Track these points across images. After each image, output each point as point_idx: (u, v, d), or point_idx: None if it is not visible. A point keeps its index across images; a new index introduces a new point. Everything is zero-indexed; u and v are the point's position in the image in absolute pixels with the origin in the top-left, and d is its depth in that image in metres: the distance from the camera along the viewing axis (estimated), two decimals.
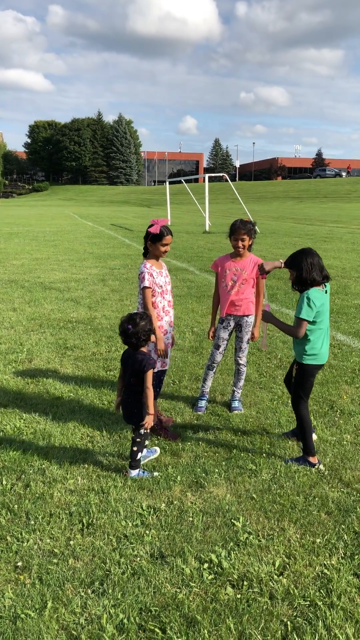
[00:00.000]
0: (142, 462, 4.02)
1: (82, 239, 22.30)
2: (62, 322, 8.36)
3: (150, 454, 4.22)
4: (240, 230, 4.87)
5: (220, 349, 5.22)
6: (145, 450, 4.10)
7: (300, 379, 4.15)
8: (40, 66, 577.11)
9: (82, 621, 2.61)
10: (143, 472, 3.96)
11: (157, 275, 4.48)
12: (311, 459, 4.12)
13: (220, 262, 5.10)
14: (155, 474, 3.95)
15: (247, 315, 5.10)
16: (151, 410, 3.84)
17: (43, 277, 12.64)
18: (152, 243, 4.47)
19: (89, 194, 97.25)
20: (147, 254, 4.59)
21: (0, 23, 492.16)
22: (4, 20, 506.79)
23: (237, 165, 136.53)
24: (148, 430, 3.98)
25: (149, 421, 3.84)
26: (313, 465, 4.09)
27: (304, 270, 4.00)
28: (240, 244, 4.91)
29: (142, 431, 3.92)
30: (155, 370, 4.45)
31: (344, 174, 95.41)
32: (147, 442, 4.12)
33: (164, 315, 4.56)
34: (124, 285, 11.54)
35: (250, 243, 4.98)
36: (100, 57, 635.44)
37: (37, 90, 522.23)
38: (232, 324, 5.14)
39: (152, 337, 4.26)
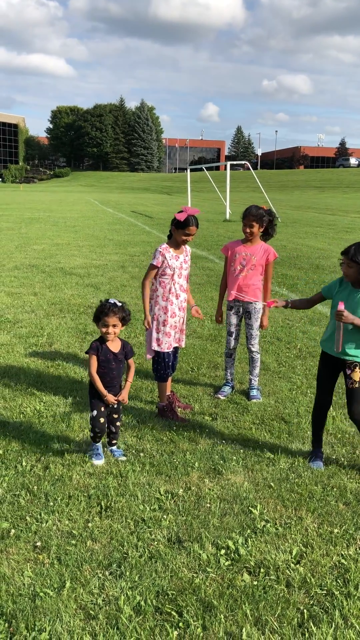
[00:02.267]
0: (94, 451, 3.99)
1: (103, 225, 22.32)
2: (82, 307, 8.40)
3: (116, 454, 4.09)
4: (249, 216, 4.86)
5: (233, 335, 5.23)
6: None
7: None
8: (62, 51, 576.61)
9: (100, 602, 2.64)
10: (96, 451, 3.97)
11: (171, 258, 4.54)
12: None
13: (231, 246, 5.10)
14: (123, 458, 4.00)
15: (255, 302, 5.08)
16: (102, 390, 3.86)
17: (63, 262, 12.69)
18: (176, 229, 4.51)
19: (110, 180, 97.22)
20: (170, 238, 4.65)
21: (22, 7, 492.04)
22: (26, 4, 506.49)
23: (259, 154, 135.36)
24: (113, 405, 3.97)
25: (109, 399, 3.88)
26: None
27: None
28: (247, 230, 4.90)
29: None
30: (160, 350, 4.64)
31: None
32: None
33: (173, 299, 4.60)
34: (144, 272, 11.53)
35: (261, 230, 4.94)
36: (123, 43, 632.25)
37: (59, 75, 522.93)
38: (241, 310, 5.14)
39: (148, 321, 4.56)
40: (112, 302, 3.86)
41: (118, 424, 4.06)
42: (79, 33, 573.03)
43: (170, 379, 4.86)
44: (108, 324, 3.84)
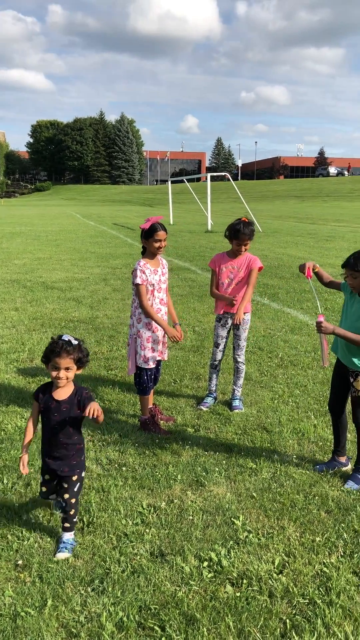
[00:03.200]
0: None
1: (85, 238, 22.31)
2: (63, 321, 8.38)
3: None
4: (244, 237, 4.86)
5: (220, 347, 5.24)
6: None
7: None
8: (41, 66, 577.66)
9: (82, 619, 2.62)
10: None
11: (151, 273, 4.51)
12: None
13: (218, 259, 5.12)
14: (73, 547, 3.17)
15: (244, 314, 5.10)
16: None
17: (45, 276, 12.65)
18: (146, 240, 4.50)
19: (91, 193, 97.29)
20: (144, 253, 4.62)
21: (0, 23, 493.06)
22: (3, 20, 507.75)
23: (239, 165, 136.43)
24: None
25: None
26: None
27: None
28: (242, 248, 4.94)
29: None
30: (147, 366, 4.61)
31: (346, 172, 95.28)
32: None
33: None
34: (126, 285, 11.55)
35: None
36: (101, 57, 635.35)
37: (38, 90, 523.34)
38: (229, 322, 5.16)
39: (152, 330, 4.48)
40: (66, 339, 3.02)
41: (71, 500, 3.15)
42: (57, 48, 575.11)
43: (152, 391, 4.86)
44: (59, 367, 3.02)
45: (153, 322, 4.56)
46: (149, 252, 4.59)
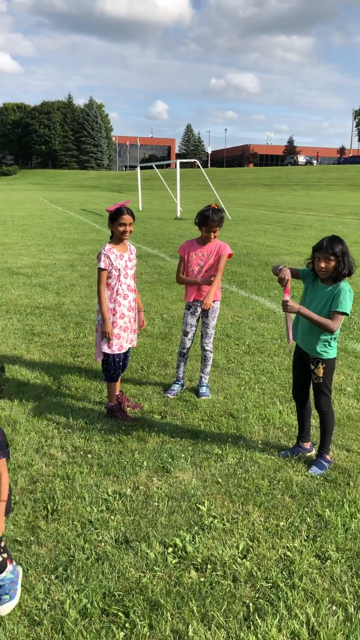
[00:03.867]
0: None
1: (52, 223, 21.99)
2: (29, 307, 8.25)
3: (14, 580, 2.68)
4: (213, 223, 4.83)
5: (189, 335, 5.23)
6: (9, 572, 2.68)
7: (329, 375, 3.91)
8: (6, 46, 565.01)
9: (45, 607, 2.60)
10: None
11: (116, 258, 4.47)
12: (329, 457, 4.01)
13: (187, 246, 5.08)
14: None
15: (214, 301, 5.10)
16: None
17: (10, 262, 12.44)
18: (112, 223, 4.46)
19: (59, 178, 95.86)
20: (112, 237, 4.59)
21: None
22: None
23: (209, 152, 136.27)
24: None
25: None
26: (330, 462, 3.98)
27: (349, 260, 3.62)
28: (212, 235, 4.92)
29: None
30: (110, 352, 4.55)
31: (314, 162, 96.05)
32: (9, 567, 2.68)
33: (121, 300, 4.54)
34: (93, 271, 11.44)
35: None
36: (69, 39, 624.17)
37: (4, 71, 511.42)
38: (198, 309, 5.15)
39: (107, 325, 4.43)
40: None
41: None
42: (23, 28, 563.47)
43: (120, 379, 4.83)
44: None
45: (118, 308, 4.53)
46: (115, 237, 4.54)
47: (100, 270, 4.45)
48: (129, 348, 4.79)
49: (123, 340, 4.62)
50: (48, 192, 60.34)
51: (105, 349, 4.57)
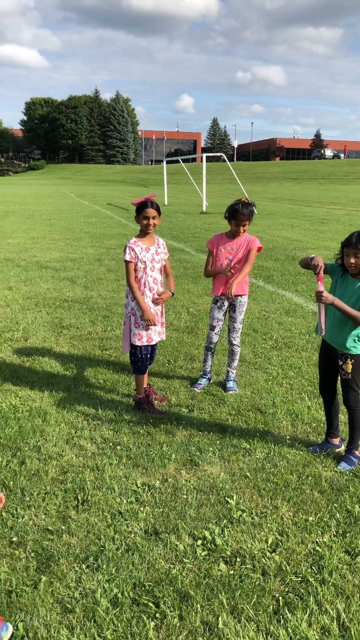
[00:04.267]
0: None
1: (79, 218, 22.15)
2: (58, 301, 8.34)
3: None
4: (243, 216, 4.82)
5: (216, 330, 5.23)
6: None
7: (358, 371, 3.84)
8: (34, 42, 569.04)
9: (77, 595, 2.64)
10: None
11: (142, 251, 4.51)
12: (358, 453, 3.98)
13: (216, 240, 5.08)
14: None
15: (241, 296, 5.09)
16: None
17: (39, 256, 12.57)
18: (137, 216, 4.51)
19: (86, 172, 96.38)
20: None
21: None
22: None
23: (235, 145, 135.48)
24: None
25: None
26: (359, 458, 3.97)
27: None
28: (241, 229, 4.90)
29: None
30: (140, 344, 4.58)
31: (342, 155, 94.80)
32: None
33: (147, 292, 4.56)
34: (120, 265, 11.49)
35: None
36: (96, 34, 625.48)
37: (32, 66, 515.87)
38: (226, 304, 5.14)
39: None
40: None
41: None
42: (51, 23, 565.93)
43: (147, 371, 4.86)
44: None
45: (147, 300, 4.56)
46: (141, 230, 4.58)
47: (126, 262, 4.51)
48: (157, 341, 4.80)
49: (152, 332, 4.64)
50: (75, 186, 60.72)
51: (136, 342, 4.59)
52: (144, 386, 4.79)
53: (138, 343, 4.60)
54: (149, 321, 4.50)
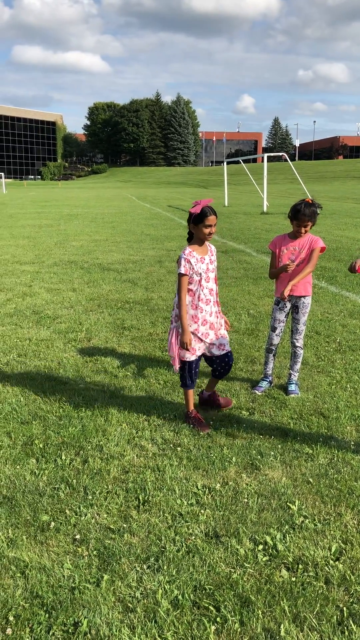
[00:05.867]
0: None
1: (140, 220, 22.42)
2: (119, 302, 8.47)
3: None
4: (304, 217, 4.71)
5: (277, 331, 5.15)
6: None
7: None
8: (97, 48, 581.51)
9: (138, 595, 2.67)
10: None
11: (197, 262, 4.20)
12: None
13: (278, 241, 5.01)
14: None
15: (304, 297, 5.00)
16: None
17: (101, 258, 12.81)
18: (195, 225, 4.16)
19: (147, 175, 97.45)
20: (191, 239, 4.31)
21: (56, 6, 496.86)
22: (60, 2, 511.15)
23: (297, 145, 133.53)
24: None
25: None
26: None
27: None
28: (303, 230, 4.80)
29: None
30: (188, 359, 4.33)
31: None
32: None
33: (203, 305, 4.29)
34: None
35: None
36: (157, 37, 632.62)
37: (95, 72, 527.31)
38: (288, 305, 5.06)
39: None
40: None
41: None
42: (113, 29, 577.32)
43: (215, 381, 4.69)
44: None
45: (200, 314, 4.30)
46: (197, 239, 4.25)
47: (180, 275, 4.20)
48: (229, 351, 4.54)
49: (203, 346, 4.40)
50: (136, 189, 61.54)
51: (188, 357, 4.36)
52: (209, 392, 4.72)
53: (191, 358, 4.37)
54: (185, 344, 4.22)
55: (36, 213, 27.18)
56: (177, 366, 4.36)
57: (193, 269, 4.20)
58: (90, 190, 60.42)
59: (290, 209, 4.82)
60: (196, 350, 4.38)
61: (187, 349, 4.26)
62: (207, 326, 4.37)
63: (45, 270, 11.21)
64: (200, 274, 4.24)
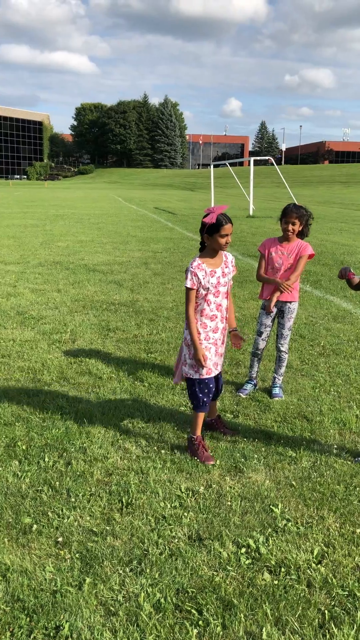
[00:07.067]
0: None
1: (126, 222, 22.39)
2: (105, 304, 8.44)
3: None
4: (292, 213, 4.81)
5: (263, 336, 5.17)
6: None
7: None
8: (84, 48, 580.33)
9: (120, 598, 2.65)
10: None
11: (205, 275, 3.84)
12: None
13: (268, 244, 5.06)
14: None
15: (290, 302, 5.03)
16: None
17: (87, 259, 12.76)
18: (210, 235, 3.79)
19: (134, 177, 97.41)
20: (203, 248, 3.94)
21: (43, 5, 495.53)
22: (47, 1, 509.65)
23: (283, 149, 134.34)
24: None
25: None
26: None
27: None
28: (290, 227, 4.85)
29: None
30: (198, 376, 3.96)
31: None
32: None
33: (207, 321, 3.94)
34: (166, 269, 11.55)
35: (300, 229, 4.90)
36: (145, 39, 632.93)
37: (82, 72, 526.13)
38: (274, 310, 5.09)
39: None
40: None
41: None
42: (100, 30, 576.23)
43: (216, 403, 4.40)
44: None
45: (202, 330, 3.95)
46: (210, 249, 3.88)
47: (187, 289, 3.87)
48: (220, 372, 4.20)
49: (210, 362, 4.00)
50: (123, 190, 61.47)
51: (192, 374, 3.98)
52: (212, 418, 4.39)
53: (195, 376, 3.97)
54: (199, 361, 3.89)
55: (22, 213, 27.02)
56: (176, 380, 4.21)
57: (200, 282, 3.86)
58: (76, 190, 60.22)
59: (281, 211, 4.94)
60: (212, 370, 4.03)
61: (203, 366, 3.91)
62: (210, 342, 4.01)
63: (30, 271, 11.15)
64: (208, 288, 3.88)
